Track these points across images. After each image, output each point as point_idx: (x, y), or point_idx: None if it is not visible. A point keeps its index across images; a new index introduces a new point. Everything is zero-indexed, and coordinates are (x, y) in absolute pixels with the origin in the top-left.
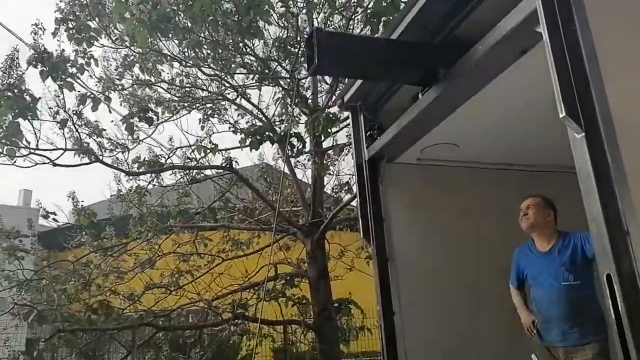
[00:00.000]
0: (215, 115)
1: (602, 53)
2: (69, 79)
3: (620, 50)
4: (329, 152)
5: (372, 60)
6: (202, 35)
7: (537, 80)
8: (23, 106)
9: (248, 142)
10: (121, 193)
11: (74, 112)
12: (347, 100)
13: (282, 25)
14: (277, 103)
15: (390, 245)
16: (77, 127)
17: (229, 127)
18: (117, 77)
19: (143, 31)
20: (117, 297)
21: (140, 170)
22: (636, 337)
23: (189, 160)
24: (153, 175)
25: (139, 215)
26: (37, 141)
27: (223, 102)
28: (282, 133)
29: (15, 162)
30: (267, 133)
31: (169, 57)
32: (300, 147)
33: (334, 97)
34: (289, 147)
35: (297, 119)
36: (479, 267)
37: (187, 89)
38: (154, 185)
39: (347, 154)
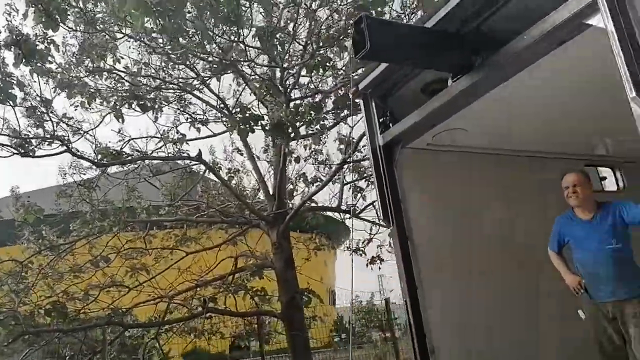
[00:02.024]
0: (171, 106)
1: None
2: (39, 64)
3: None
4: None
5: (414, 48)
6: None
7: (563, 71)
8: (5, 92)
9: (235, 130)
10: (65, 189)
11: (42, 99)
12: (362, 88)
13: (266, 15)
14: (239, 93)
15: (408, 225)
16: (48, 115)
17: (186, 119)
18: (75, 63)
19: (141, 13)
20: (68, 297)
21: (108, 161)
22: None
23: (138, 152)
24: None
25: (91, 211)
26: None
27: (182, 93)
28: (273, 122)
29: None
30: (259, 122)
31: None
32: (292, 135)
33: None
34: (278, 137)
35: (275, 107)
36: (489, 243)
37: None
38: (105, 177)
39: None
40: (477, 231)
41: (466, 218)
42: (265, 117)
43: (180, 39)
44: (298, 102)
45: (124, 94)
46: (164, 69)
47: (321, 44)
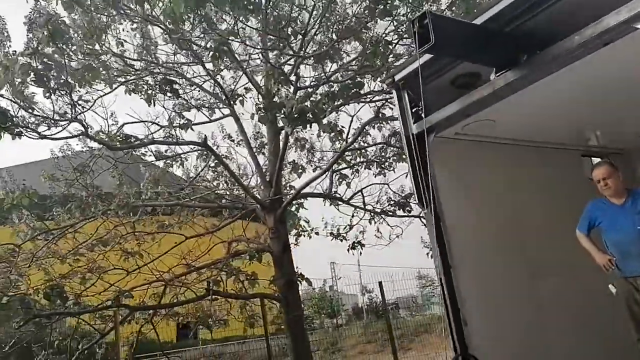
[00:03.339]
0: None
1: None
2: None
3: None
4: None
5: (469, 43)
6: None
7: (601, 68)
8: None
9: (257, 116)
10: (53, 173)
11: (66, 81)
12: (397, 80)
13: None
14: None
15: (440, 208)
16: (70, 96)
17: (181, 104)
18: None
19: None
20: (65, 281)
21: (120, 145)
22: None
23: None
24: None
25: (87, 195)
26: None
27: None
28: (297, 110)
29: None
30: (281, 109)
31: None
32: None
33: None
34: (299, 125)
35: (290, 96)
36: (510, 225)
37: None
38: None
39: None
40: (500, 214)
41: (491, 202)
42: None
43: (182, 25)
44: (307, 90)
45: (158, 79)
46: (154, 54)
47: (339, 35)
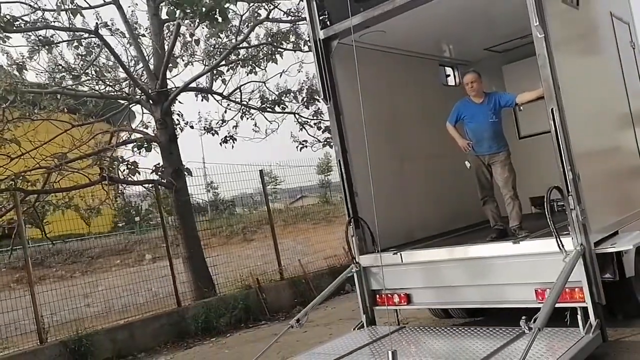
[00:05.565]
0: None
1: None
2: None
3: None
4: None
5: None
6: None
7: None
8: None
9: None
10: None
11: None
12: None
13: None
14: None
15: (341, 103)
16: None
17: None
18: None
19: None
20: None
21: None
22: (564, 138)
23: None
24: None
25: None
26: None
27: None
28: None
29: None
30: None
31: None
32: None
33: None
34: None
35: None
36: (392, 120)
37: None
38: None
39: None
40: (383, 109)
41: (376, 99)
42: None
43: None
44: None
45: None
46: None
47: None
